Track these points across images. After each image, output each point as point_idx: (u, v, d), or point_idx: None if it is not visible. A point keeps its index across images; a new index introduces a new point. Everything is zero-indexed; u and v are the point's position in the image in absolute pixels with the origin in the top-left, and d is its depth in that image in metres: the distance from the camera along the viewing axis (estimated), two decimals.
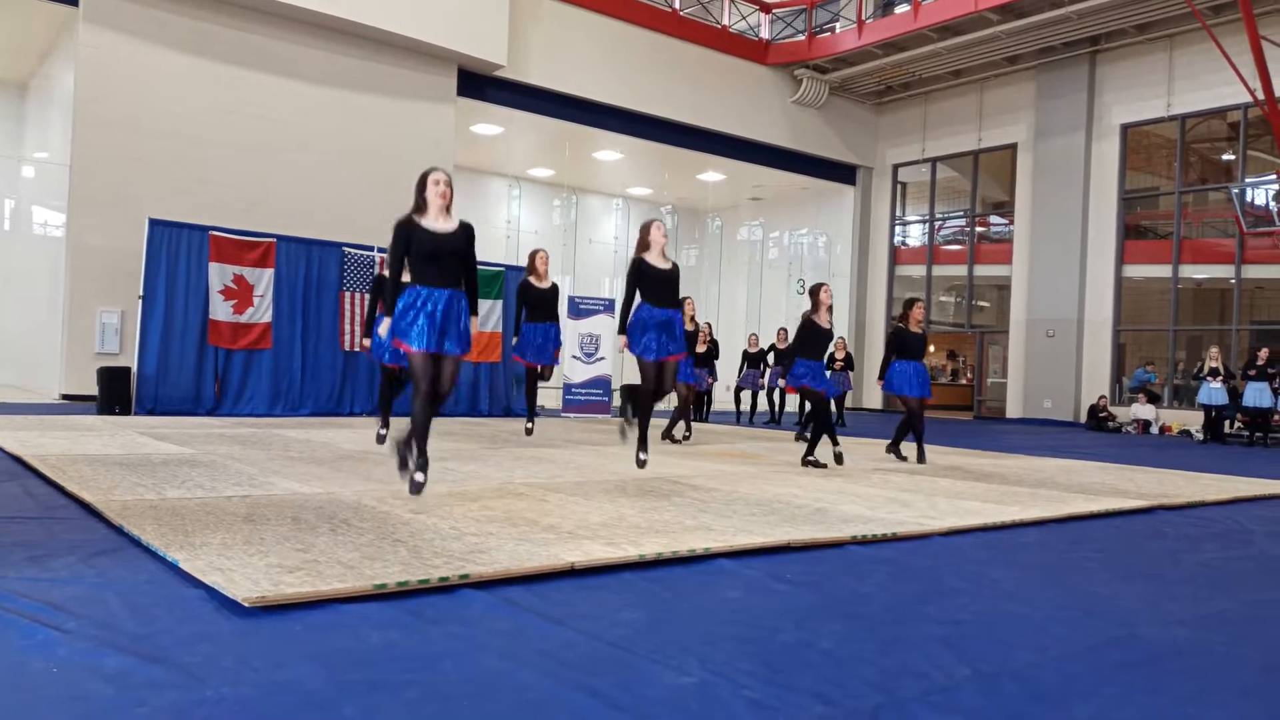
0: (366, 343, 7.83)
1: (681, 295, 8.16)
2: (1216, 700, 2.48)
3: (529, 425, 9.27)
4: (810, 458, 8.06)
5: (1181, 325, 18.26)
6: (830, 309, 8.12)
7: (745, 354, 15.93)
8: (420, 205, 5.13)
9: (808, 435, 8.37)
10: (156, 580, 3.28)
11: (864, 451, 9.94)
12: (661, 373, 6.49)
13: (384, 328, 5.08)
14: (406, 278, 5.23)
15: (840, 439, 11.61)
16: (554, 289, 9.02)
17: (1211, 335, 18.09)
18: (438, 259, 5.06)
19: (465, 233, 5.21)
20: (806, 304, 8.28)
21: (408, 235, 5.05)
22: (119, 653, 2.46)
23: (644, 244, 6.56)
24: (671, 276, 6.56)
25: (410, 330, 5.00)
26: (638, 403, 6.60)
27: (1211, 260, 18.15)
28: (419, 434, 5.16)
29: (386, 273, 7.53)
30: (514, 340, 9.07)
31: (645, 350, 6.35)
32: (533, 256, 9.05)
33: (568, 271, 21.17)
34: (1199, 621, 3.31)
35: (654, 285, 6.46)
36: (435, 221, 5.12)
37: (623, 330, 6.47)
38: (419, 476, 5.13)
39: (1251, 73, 14.91)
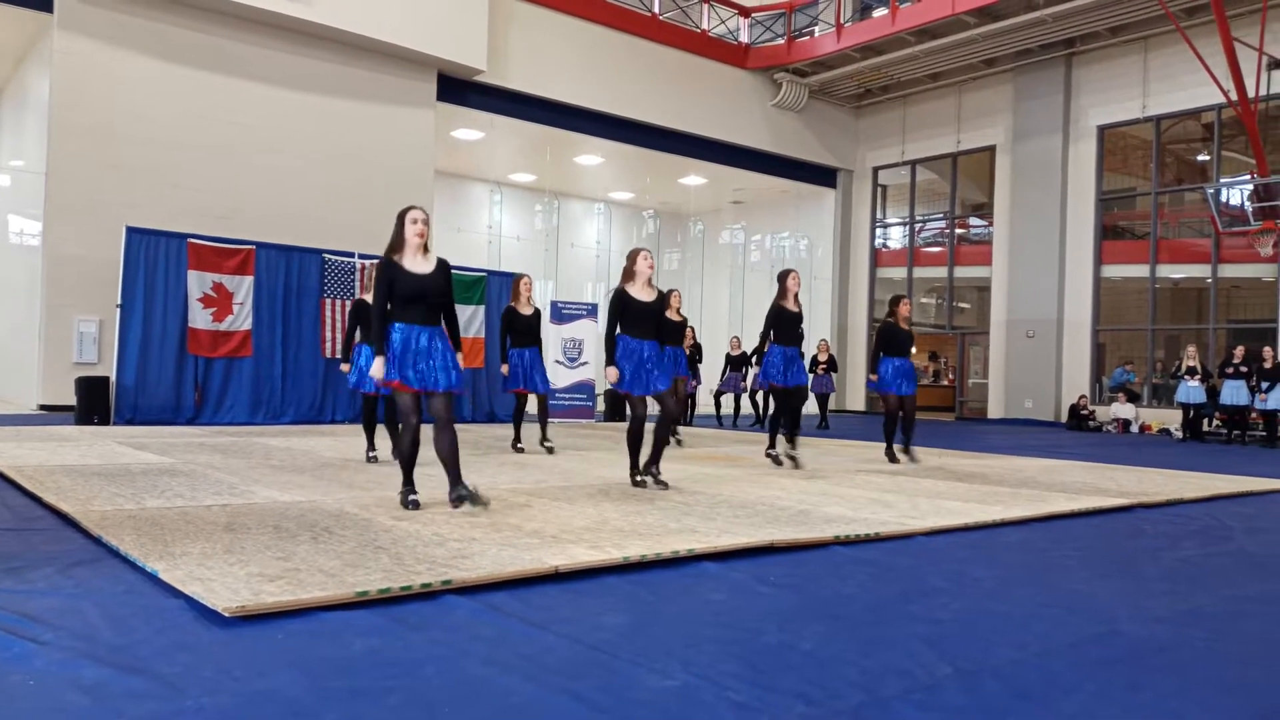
0: (345, 367, 7.79)
1: (666, 289, 8.20)
2: (1197, 695, 2.50)
3: (518, 445, 9.07)
4: (772, 451, 8.12)
5: (1159, 325, 18.43)
6: (797, 296, 8.14)
7: (728, 357, 15.91)
8: (399, 244, 5.18)
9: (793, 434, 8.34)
10: (135, 590, 3.25)
11: (847, 453, 9.98)
12: (662, 400, 6.49)
13: (376, 368, 5.07)
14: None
15: (821, 441, 11.64)
16: (537, 314, 9.13)
17: (1189, 334, 18.27)
18: (419, 300, 5.13)
19: (444, 272, 5.27)
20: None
21: (391, 276, 5.11)
22: (97, 664, 2.44)
23: (629, 274, 6.51)
24: (655, 309, 6.55)
25: (405, 370, 5.04)
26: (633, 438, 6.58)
27: (1188, 260, 18.33)
28: (406, 466, 5.19)
29: (367, 297, 7.50)
30: (504, 369, 8.97)
31: (636, 386, 6.35)
32: (516, 282, 9.06)
33: (550, 276, 21.15)
34: (1178, 618, 3.34)
35: (636, 318, 6.45)
36: (415, 261, 5.17)
37: (610, 362, 6.41)
38: (413, 498, 5.12)
39: (1225, 74, 15.08)
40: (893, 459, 8.80)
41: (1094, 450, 11.98)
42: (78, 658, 2.49)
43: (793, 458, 8.03)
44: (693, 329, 14.84)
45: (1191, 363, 15.13)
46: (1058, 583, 3.87)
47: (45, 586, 3.26)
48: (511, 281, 9.17)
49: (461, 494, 5.04)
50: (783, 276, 8.22)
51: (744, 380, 15.73)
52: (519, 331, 8.93)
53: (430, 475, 6.42)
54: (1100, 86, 18.58)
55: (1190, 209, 18.93)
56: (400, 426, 5.28)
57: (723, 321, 22.67)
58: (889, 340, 8.89)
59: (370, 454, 7.69)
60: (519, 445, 9.03)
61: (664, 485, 6.32)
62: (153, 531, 4.15)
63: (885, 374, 8.81)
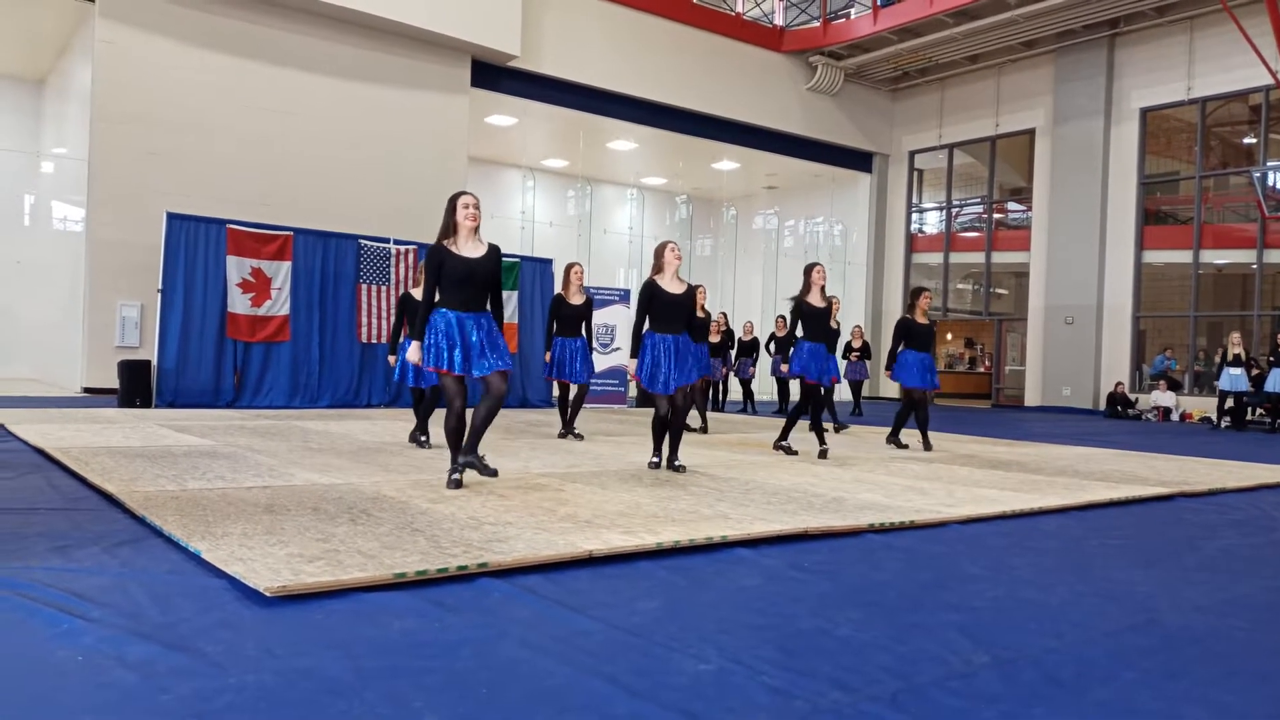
0: (393, 360, 7.86)
1: (694, 284, 8.13)
2: (1236, 684, 2.47)
3: (563, 432, 8.97)
4: (784, 443, 8.10)
5: (1202, 311, 18.09)
6: (823, 290, 7.99)
7: (739, 342, 15.73)
8: (450, 228, 5.23)
9: (831, 424, 8.30)
10: (178, 570, 3.31)
11: (879, 440, 9.92)
12: (672, 399, 6.53)
13: (413, 352, 5.14)
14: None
15: (851, 427, 11.57)
16: (588, 304, 8.90)
17: (1233, 321, 17.92)
18: (469, 284, 5.18)
19: (494, 257, 5.32)
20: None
21: (441, 260, 5.15)
22: (142, 641, 2.50)
23: (658, 266, 6.58)
24: (683, 301, 6.56)
25: (444, 355, 5.11)
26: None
27: (1232, 245, 17.96)
28: (453, 444, 5.29)
29: (414, 291, 7.51)
30: (546, 357, 8.85)
31: (655, 384, 6.42)
32: (568, 270, 8.87)
33: (582, 262, 21.14)
34: (1219, 607, 3.29)
35: (664, 310, 6.49)
36: (466, 246, 5.23)
37: (634, 355, 6.53)
38: (455, 476, 5.24)
39: (1273, 54, 14.73)
40: (900, 445, 8.93)
41: (1133, 438, 11.81)
42: (124, 635, 2.54)
43: (822, 451, 7.97)
44: (724, 315, 14.80)
45: (1236, 350, 14.84)
46: (1096, 572, 3.83)
47: (92, 565, 3.34)
48: (564, 269, 8.98)
49: (471, 461, 5.24)
50: (808, 270, 8.01)
51: (753, 366, 15.71)
52: (564, 320, 8.78)
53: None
54: (1144, 68, 18.21)
55: (1235, 193, 18.53)
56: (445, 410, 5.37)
57: (755, 307, 22.57)
58: (907, 335, 8.91)
59: (420, 437, 7.70)
60: (564, 433, 8.89)
61: (681, 469, 6.41)
62: (195, 512, 4.22)
63: (909, 366, 8.78)
